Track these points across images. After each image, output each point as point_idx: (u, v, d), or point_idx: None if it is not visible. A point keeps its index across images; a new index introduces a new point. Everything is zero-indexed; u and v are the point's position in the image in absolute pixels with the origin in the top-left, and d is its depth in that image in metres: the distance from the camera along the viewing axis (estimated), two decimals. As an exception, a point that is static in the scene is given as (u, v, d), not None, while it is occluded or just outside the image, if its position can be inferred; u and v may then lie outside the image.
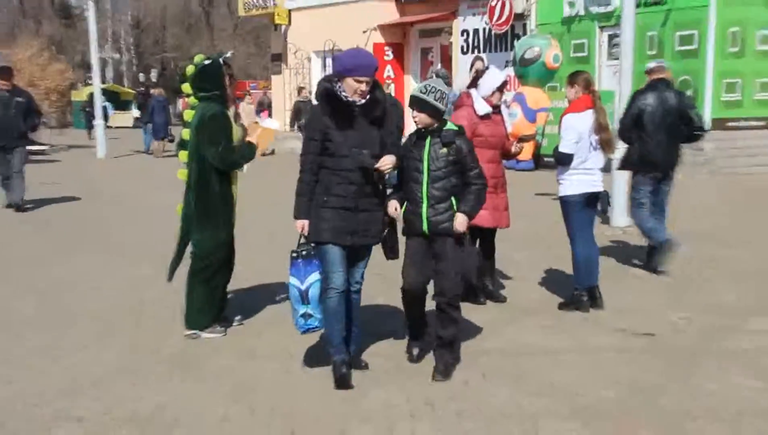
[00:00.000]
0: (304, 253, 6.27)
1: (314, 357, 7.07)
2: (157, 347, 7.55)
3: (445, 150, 6.44)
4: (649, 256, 10.42)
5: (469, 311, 8.64)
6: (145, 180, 23.24)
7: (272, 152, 25.31)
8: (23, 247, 12.61)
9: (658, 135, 10.32)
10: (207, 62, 7.70)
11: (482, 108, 8.59)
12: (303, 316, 6.26)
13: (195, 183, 7.65)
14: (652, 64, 10.70)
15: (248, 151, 7.75)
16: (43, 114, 16.24)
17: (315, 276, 6.26)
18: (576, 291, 8.72)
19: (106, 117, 41.82)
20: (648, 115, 10.34)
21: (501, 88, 8.66)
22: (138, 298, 9.32)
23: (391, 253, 6.60)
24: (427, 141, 6.48)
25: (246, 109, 25.70)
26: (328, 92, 6.25)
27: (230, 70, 7.82)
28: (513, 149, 8.85)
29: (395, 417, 5.82)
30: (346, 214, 6.24)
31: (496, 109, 8.78)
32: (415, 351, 7.02)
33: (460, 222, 6.43)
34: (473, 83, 9.05)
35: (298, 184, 6.35)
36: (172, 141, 31.75)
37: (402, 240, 6.73)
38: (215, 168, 7.56)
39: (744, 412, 5.90)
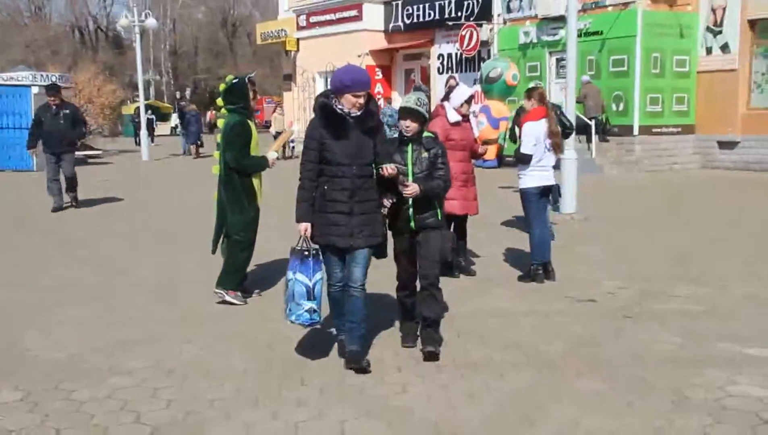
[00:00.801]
0: (314, 251, 5.69)
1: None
2: (193, 312, 7.54)
3: (426, 154, 6.14)
4: None
5: (445, 283, 8.63)
6: (180, 176, 23.22)
7: (292, 152, 25.05)
8: (85, 230, 12.58)
9: None
10: (235, 81, 7.72)
11: (453, 116, 8.76)
12: (308, 311, 5.66)
13: (223, 177, 7.70)
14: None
15: (260, 163, 7.72)
16: (88, 124, 16.00)
17: (320, 274, 5.73)
18: (533, 266, 8.74)
19: (152, 127, 41.95)
20: None
21: (468, 101, 8.83)
22: (177, 272, 9.31)
23: (381, 253, 6.10)
24: (410, 147, 6.16)
25: (278, 118, 25.28)
26: (325, 106, 5.81)
27: (253, 86, 7.80)
28: (480, 150, 9.11)
29: (385, 369, 5.82)
30: (342, 217, 5.73)
31: (466, 117, 8.91)
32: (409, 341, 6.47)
33: (410, 188, 5.92)
34: (446, 97, 9.17)
35: (298, 190, 5.81)
36: (202, 145, 31.89)
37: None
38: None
39: (665, 362, 5.92)
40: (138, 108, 35.65)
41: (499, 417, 4.89)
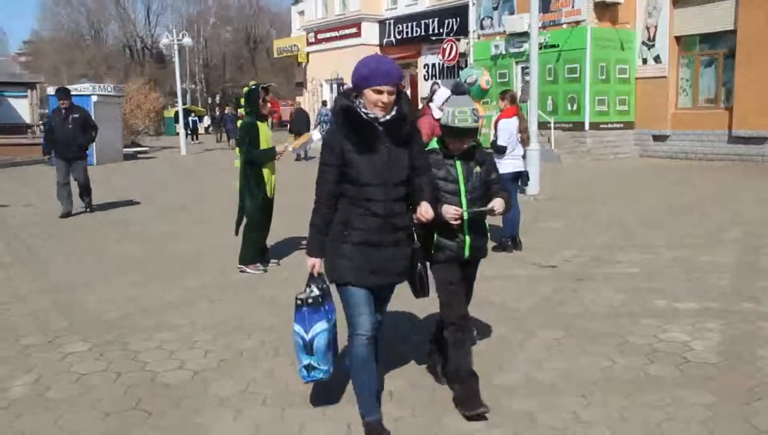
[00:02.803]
0: (310, 300, 3.97)
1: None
2: (224, 279, 7.54)
3: (479, 168, 4.35)
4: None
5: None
6: (213, 167, 23.19)
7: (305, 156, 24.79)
8: (134, 212, 12.58)
9: None
10: (252, 88, 7.71)
11: (438, 113, 8.62)
12: (306, 367, 3.99)
13: (240, 169, 7.70)
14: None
15: (268, 153, 7.62)
16: (98, 128, 12.95)
17: (322, 325, 3.97)
18: (503, 238, 8.75)
19: (196, 128, 41.93)
20: None
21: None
22: (211, 247, 9.31)
23: (421, 291, 4.17)
24: (457, 161, 4.31)
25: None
26: (348, 110, 3.79)
27: (266, 93, 7.72)
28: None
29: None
30: (369, 250, 3.77)
31: None
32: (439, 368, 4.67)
33: (498, 205, 4.21)
34: (429, 99, 9.15)
35: (312, 215, 3.85)
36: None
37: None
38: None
39: (610, 314, 5.96)
40: (176, 111, 35.71)
41: (476, 362, 4.90)
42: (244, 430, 3.98)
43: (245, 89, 7.79)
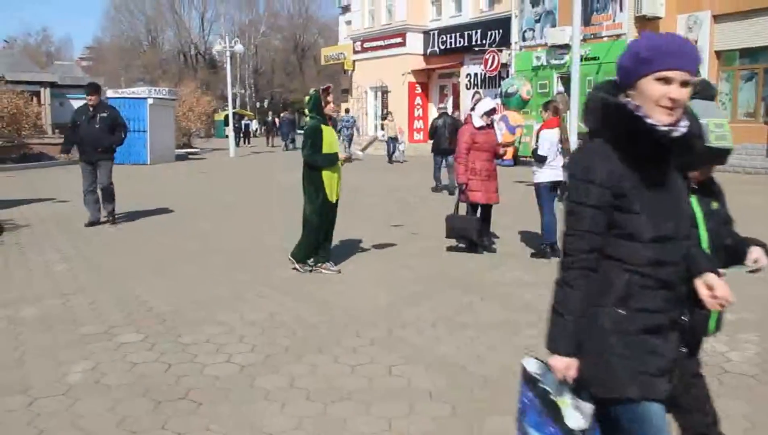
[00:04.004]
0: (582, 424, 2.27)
1: (364, 279, 7.12)
2: (271, 276, 7.57)
3: (715, 204, 3.05)
4: None
5: (470, 258, 8.63)
6: (258, 168, 23.38)
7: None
8: (184, 209, 12.73)
9: None
10: (312, 93, 7.67)
11: (478, 122, 8.73)
12: None
13: (303, 170, 7.61)
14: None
15: (329, 159, 7.45)
16: (128, 128, 11.59)
17: None
18: (542, 245, 8.67)
19: (248, 132, 42.34)
20: None
21: (488, 113, 8.74)
22: (258, 244, 9.37)
23: None
24: (693, 196, 2.90)
25: (389, 125, 24.77)
26: (616, 108, 2.20)
27: (327, 94, 7.59)
28: (500, 152, 9.04)
29: (423, 326, 5.81)
30: (657, 341, 2.27)
31: (490, 125, 8.89)
32: None
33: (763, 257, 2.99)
34: (473, 108, 9.21)
35: (558, 289, 2.39)
36: (293, 141, 32.33)
37: None
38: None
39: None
40: (227, 115, 36.16)
41: (515, 364, 4.86)
42: (288, 423, 3.99)
43: (307, 97, 7.77)
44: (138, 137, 25.32)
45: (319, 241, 7.75)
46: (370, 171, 21.40)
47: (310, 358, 5.00)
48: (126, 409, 4.16)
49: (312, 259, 7.78)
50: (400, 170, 22.61)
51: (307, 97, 7.79)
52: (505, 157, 9.47)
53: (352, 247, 9.17)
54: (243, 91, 74.17)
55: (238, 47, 33.25)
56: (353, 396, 4.34)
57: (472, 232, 8.69)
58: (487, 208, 8.96)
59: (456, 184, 9.16)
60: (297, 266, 7.72)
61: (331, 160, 7.51)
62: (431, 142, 16.51)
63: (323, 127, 7.48)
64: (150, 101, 25.61)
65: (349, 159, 7.76)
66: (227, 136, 33.79)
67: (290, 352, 5.14)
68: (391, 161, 24.92)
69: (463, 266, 8.14)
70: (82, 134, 10.96)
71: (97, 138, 10.90)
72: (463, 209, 8.97)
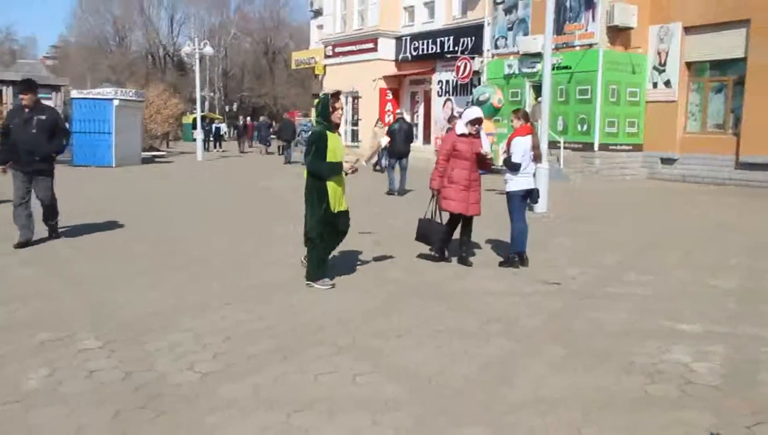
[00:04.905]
0: None
1: (363, 289, 7.10)
2: (240, 284, 7.51)
3: None
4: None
5: (440, 266, 8.66)
6: (228, 172, 23.26)
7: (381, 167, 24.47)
8: (153, 215, 12.62)
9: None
10: (322, 97, 7.40)
11: (460, 129, 8.55)
12: None
13: (305, 179, 7.36)
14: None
15: (333, 168, 7.15)
16: (70, 133, 10.23)
17: None
18: (511, 254, 8.71)
19: (220, 135, 42.09)
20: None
21: (473, 122, 8.47)
22: (231, 252, 9.31)
23: None
24: None
25: (378, 132, 24.69)
26: None
27: (335, 102, 7.25)
28: (487, 155, 8.61)
29: (389, 335, 5.82)
30: None
31: (473, 134, 8.55)
32: None
33: None
34: (458, 115, 9.11)
35: None
36: (269, 145, 32.47)
37: None
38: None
39: (615, 333, 5.90)
40: (195, 118, 35.96)
41: (482, 375, 4.89)
42: (250, 433, 3.96)
43: (317, 100, 7.53)
44: (103, 139, 25.12)
45: (324, 254, 7.47)
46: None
47: (274, 367, 4.98)
48: (84, 417, 4.11)
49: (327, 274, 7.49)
50: (359, 176, 22.57)
51: (317, 100, 7.61)
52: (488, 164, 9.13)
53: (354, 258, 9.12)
54: (212, 94, 73.75)
55: (208, 49, 33.07)
56: (316, 405, 4.32)
57: (434, 239, 8.62)
58: (467, 220, 8.77)
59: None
60: (317, 286, 7.32)
61: (335, 170, 7.23)
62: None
63: (328, 133, 7.21)
64: (116, 102, 25.37)
65: (355, 170, 7.41)
66: (195, 140, 33.58)
67: (254, 361, 5.11)
68: (381, 169, 24.45)
69: (432, 275, 8.15)
70: (15, 139, 9.19)
71: (34, 144, 9.20)
72: (446, 217, 8.80)
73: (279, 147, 35.35)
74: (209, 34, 67.07)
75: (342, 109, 7.41)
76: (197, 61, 33.20)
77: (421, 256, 9.03)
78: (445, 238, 8.75)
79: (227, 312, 6.41)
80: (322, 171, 7.17)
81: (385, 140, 8.39)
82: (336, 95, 7.36)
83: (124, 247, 9.64)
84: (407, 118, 21.06)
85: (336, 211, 7.34)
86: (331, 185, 7.25)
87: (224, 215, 12.94)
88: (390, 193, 17.10)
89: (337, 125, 7.40)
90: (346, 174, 7.39)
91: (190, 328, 5.86)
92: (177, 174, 23.30)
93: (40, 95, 9.96)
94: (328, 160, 7.16)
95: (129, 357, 5.12)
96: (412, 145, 18.06)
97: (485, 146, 8.95)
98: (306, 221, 7.40)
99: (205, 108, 60.34)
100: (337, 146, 7.28)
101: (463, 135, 8.51)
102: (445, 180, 8.49)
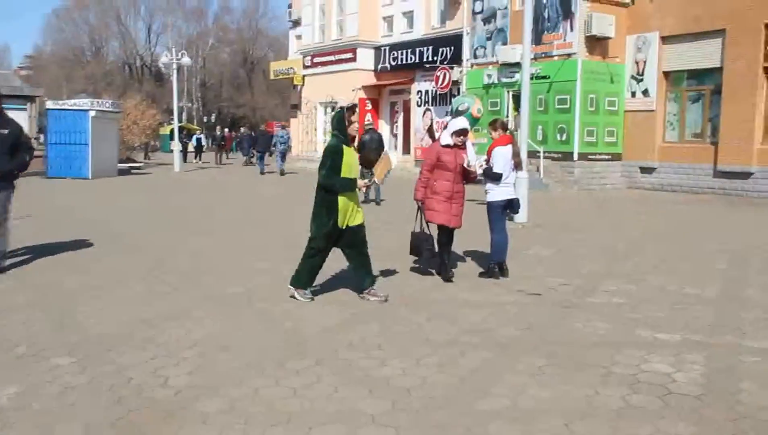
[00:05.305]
0: None
1: (339, 302, 7.07)
2: (218, 296, 7.45)
3: None
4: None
5: (420, 277, 8.64)
6: (207, 184, 23.12)
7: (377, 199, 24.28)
8: (127, 225, 12.50)
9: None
10: (338, 110, 7.27)
11: (445, 139, 8.41)
12: None
13: (316, 190, 7.22)
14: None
15: (345, 183, 7.04)
16: (33, 149, 9.28)
17: None
18: (491, 264, 8.70)
19: (201, 146, 41.79)
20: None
21: (459, 133, 8.27)
22: (207, 260, 9.24)
23: None
24: None
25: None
26: None
27: (351, 115, 7.15)
28: (472, 168, 8.46)
29: (369, 346, 5.78)
30: None
31: (459, 146, 8.38)
32: None
33: None
34: (430, 129, 9.05)
35: None
36: (252, 157, 32.03)
37: None
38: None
39: (594, 343, 5.91)
40: (172, 129, 35.76)
41: (462, 387, 4.87)
42: (226, 449, 3.92)
43: (333, 113, 7.50)
44: (79, 151, 24.95)
45: (317, 265, 7.33)
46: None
47: (251, 380, 4.93)
48: (55, 435, 4.04)
49: (365, 285, 7.39)
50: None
51: (333, 113, 7.49)
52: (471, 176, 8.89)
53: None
54: (190, 105, 73.58)
55: (185, 60, 32.98)
56: (294, 420, 4.28)
57: (422, 251, 8.55)
58: (447, 232, 8.59)
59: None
60: (297, 294, 7.26)
61: (349, 186, 7.11)
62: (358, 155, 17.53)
63: (344, 147, 7.08)
64: (92, 113, 25.23)
65: (369, 186, 7.38)
66: (173, 151, 33.42)
67: (231, 374, 5.05)
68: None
69: (411, 286, 8.13)
70: None
71: None
72: (433, 228, 8.60)
73: (248, 157, 35.07)
74: (187, 45, 67.03)
75: (358, 122, 7.32)
76: (175, 71, 33.11)
77: (401, 267, 9.01)
78: (433, 250, 8.59)
79: (204, 324, 6.35)
80: (335, 186, 7.03)
81: (393, 159, 8.22)
82: (352, 108, 7.27)
83: (96, 259, 9.55)
84: (390, 126, 20.97)
85: (345, 226, 7.22)
86: (342, 200, 7.12)
87: (199, 225, 12.86)
88: (364, 201, 17.14)
89: (353, 138, 7.31)
90: (359, 190, 7.29)
91: (165, 341, 5.80)
92: (154, 185, 23.17)
93: (9, 106, 9.00)
94: (342, 175, 7.03)
95: (102, 372, 5.04)
96: (390, 155, 18.10)
97: (471, 158, 8.83)
98: (311, 230, 7.29)
99: (183, 119, 60.21)
100: (353, 161, 7.18)
101: (447, 146, 8.36)
102: (429, 191, 8.40)
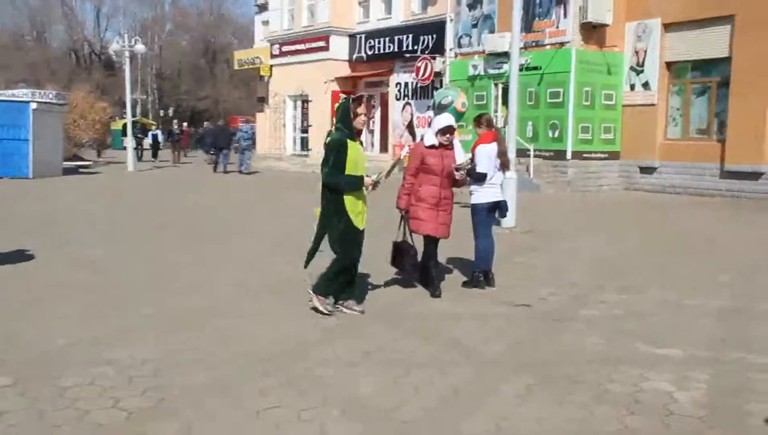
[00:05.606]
0: None
1: (279, 311, 7.05)
2: (172, 310, 7.42)
3: None
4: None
5: (398, 289, 8.65)
6: (163, 185, 23.02)
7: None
8: (76, 233, 12.40)
9: None
10: (342, 101, 7.20)
11: (429, 140, 8.22)
12: None
13: (321, 192, 7.16)
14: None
15: (351, 182, 6.99)
16: None
17: None
18: (475, 273, 8.73)
19: (157, 143, 41.51)
20: None
21: (444, 131, 8.08)
22: (162, 272, 9.19)
23: None
24: None
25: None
26: None
27: (358, 105, 7.10)
28: (457, 177, 8.20)
29: (340, 364, 5.78)
30: None
31: (446, 146, 8.20)
32: None
33: None
34: (410, 125, 8.98)
35: None
36: (215, 154, 31.84)
37: None
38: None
39: (588, 360, 5.95)
40: (125, 124, 35.55)
41: (442, 408, 4.88)
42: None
43: (337, 104, 7.34)
44: (18, 147, 24.74)
45: (344, 273, 7.28)
46: (268, 186, 21.36)
47: (210, 402, 4.91)
48: (-11, 464, 4.00)
49: (341, 296, 7.39)
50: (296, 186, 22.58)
51: (337, 104, 7.34)
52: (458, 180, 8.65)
53: (266, 276, 9.09)
54: (144, 97, 73.23)
55: (139, 47, 32.83)
56: (258, 446, 4.28)
57: (404, 264, 8.36)
58: (434, 241, 8.44)
59: None
60: (316, 302, 7.23)
61: (354, 184, 7.07)
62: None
63: (349, 142, 7.02)
64: (34, 106, 25.05)
65: (376, 184, 7.23)
66: (125, 148, 33.25)
67: (188, 395, 5.03)
68: None
69: (387, 297, 8.14)
70: None
71: None
72: (418, 239, 8.43)
73: (212, 156, 34.71)
74: (141, 30, 66.67)
75: (365, 114, 7.27)
76: (127, 59, 32.92)
77: (380, 277, 9.01)
78: (416, 263, 8.42)
79: (159, 340, 6.32)
80: (339, 184, 6.99)
81: (403, 153, 8.09)
82: (358, 99, 7.23)
83: (35, 271, 9.46)
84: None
85: (359, 226, 7.19)
86: (349, 200, 7.07)
87: (152, 233, 12.80)
88: None
89: (359, 132, 7.26)
90: (367, 189, 7.22)
91: (114, 360, 5.76)
92: (103, 187, 23.03)
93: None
94: (347, 172, 6.98)
95: (44, 395, 5.00)
96: (366, 153, 18.17)
97: (459, 158, 8.68)
98: (318, 240, 7.26)
99: (137, 113, 59.83)
100: (359, 157, 7.11)
101: (432, 147, 8.16)
102: (413, 198, 8.19)
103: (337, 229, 7.09)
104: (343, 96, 7.42)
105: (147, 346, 6.17)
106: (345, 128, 7.06)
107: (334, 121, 7.28)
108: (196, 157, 43.52)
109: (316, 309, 7.21)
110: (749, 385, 5.41)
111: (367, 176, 7.19)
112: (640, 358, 6.04)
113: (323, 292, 7.26)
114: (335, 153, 6.95)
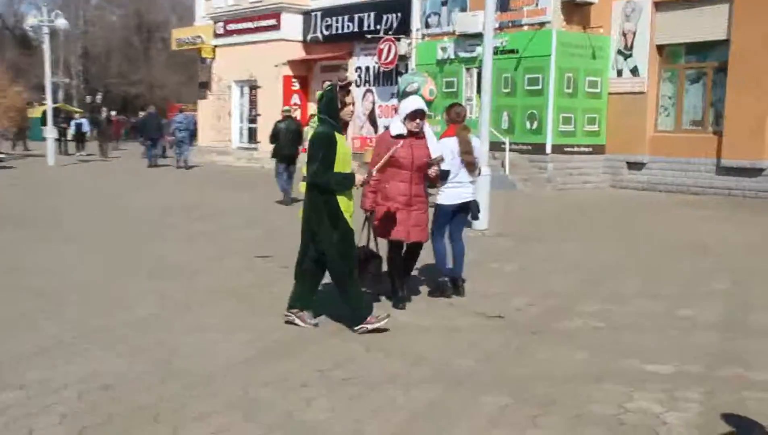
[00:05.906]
0: None
1: (220, 325, 7.03)
2: (99, 324, 7.35)
3: None
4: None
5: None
6: (89, 182, 22.79)
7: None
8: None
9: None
10: (327, 88, 7.13)
11: (395, 129, 7.94)
12: None
13: (306, 194, 7.12)
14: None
15: (342, 180, 6.92)
16: None
17: None
18: (442, 280, 8.74)
19: (82, 133, 40.92)
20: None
21: (413, 115, 7.80)
22: (78, 283, 9.11)
23: None
24: None
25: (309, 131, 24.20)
26: None
27: (345, 95, 7.01)
28: (431, 174, 7.93)
29: (291, 384, 5.77)
30: None
31: (416, 134, 7.92)
32: None
33: None
34: (371, 114, 8.89)
35: None
36: (155, 146, 31.59)
37: None
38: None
39: (568, 377, 5.99)
40: (45, 111, 35.05)
41: (408, 431, 4.89)
42: None
43: (319, 93, 7.22)
44: None
45: (354, 278, 7.24)
46: (207, 184, 21.26)
47: (142, 430, 4.88)
48: None
49: (296, 304, 7.37)
50: (240, 184, 22.48)
51: (319, 92, 7.24)
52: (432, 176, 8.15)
53: (207, 286, 9.04)
54: (68, 81, 72.34)
55: (61, 22, 32.37)
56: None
57: (365, 273, 7.87)
58: (411, 248, 8.33)
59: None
60: (367, 323, 7.13)
61: (346, 183, 7.01)
62: (272, 147, 18.70)
63: (337, 135, 6.98)
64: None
65: (367, 181, 7.20)
66: (45, 139, 32.82)
67: (115, 423, 4.99)
68: None
69: (346, 309, 8.10)
70: None
71: None
72: (383, 244, 8.26)
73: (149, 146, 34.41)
74: (63, 3, 65.78)
75: (353, 103, 7.21)
76: (47, 36, 32.47)
77: (334, 286, 8.99)
78: (379, 274, 8.14)
79: (82, 359, 6.26)
80: (329, 184, 6.91)
81: (399, 147, 7.83)
82: (345, 87, 7.15)
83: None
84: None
85: (351, 228, 7.14)
86: (342, 200, 7.01)
87: (81, 238, 12.68)
88: (285, 202, 17.94)
89: (346, 124, 7.20)
90: (357, 187, 7.14)
91: (29, 382, 5.69)
92: (18, 183, 22.71)
93: None
94: (336, 169, 6.93)
95: (-51, 421, 4.94)
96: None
97: (433, 147, 8.17)
98: (306, 249, 7.20)
99: (60, 98, 59.14)
100: (346, 152, 7.07)
101: (400, 136, 7.85)
102: (379, 196, 7.98)
103: (334, 234, 7.01)
104: (328, 84, 7.27)
105: (69, 365, 6.09)
106: (331, 120, 7.00)
107: (317, 112, 7.22)
108: (127, 150, 43.14)
109: (361, 328, 7.12)
110: (746, 404, 5.47)
111: (358, 173, 7.17)
112: (626, 375, 6.09)
113: (368, 314, 7.19)
114: (324, 149, 6.87)
